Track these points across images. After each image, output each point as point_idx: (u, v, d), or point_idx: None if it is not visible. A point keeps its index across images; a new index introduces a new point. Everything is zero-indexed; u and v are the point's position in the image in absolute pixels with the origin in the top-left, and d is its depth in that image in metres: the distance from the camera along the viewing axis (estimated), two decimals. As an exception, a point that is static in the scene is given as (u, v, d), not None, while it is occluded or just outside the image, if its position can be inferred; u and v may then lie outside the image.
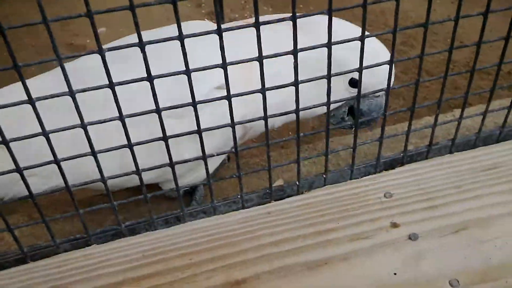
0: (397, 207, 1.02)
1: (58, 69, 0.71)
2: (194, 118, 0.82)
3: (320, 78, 0.85)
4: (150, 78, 0.74)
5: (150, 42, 0.71)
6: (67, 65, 0.72)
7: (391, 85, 0.96)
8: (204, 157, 0.89)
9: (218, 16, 0.72)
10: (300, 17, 0.76)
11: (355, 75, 1.20)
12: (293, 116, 0.89)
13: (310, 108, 0.90)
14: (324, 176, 1.07)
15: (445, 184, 1.07)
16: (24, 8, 5.13)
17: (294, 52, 0.79)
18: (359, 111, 1.06)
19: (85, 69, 1.10)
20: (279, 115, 0.88)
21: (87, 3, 0.66)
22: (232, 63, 0.77)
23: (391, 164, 1.13)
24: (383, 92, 1.04)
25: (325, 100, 0.90)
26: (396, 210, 1.02)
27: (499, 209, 1.01)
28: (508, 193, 1.04)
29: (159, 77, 0.74)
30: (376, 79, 1.09)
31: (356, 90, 1.17)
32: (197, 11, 5.59)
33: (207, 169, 0.93)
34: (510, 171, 1.08)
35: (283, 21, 0.77)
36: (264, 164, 1.23)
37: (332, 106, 1.00)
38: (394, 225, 0.99)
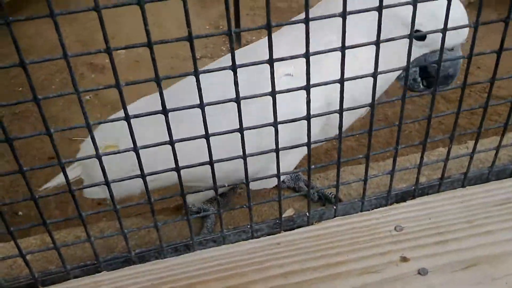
0: (407, 241, 1.02)
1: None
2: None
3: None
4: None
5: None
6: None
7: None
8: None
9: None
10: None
11: (420, 27, 1.10)
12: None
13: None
14: (335, 207, 1.07)
15: (457, 218, 1.06)
16: (49, 29, 5.23)
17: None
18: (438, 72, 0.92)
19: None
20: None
21: (106, 38, 0.68)
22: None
23: (403, 197, 1.13)
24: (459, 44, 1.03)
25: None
26: (406, 244, 1.01)
27: (511, 245, 1.00)
28: (521, 229, 1.03)
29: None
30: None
31: (423, 43, 1.16)
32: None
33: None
34: (523, 207, 1.08)
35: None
36: (276, 193, 1.24)
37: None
38: (404, 259, 0.98)
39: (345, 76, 0.83)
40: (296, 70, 1.17)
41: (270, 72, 0.77)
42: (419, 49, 1.19)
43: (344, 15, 0.75)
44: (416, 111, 3.59)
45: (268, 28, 0.73)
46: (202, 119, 0.79)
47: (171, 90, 1.30)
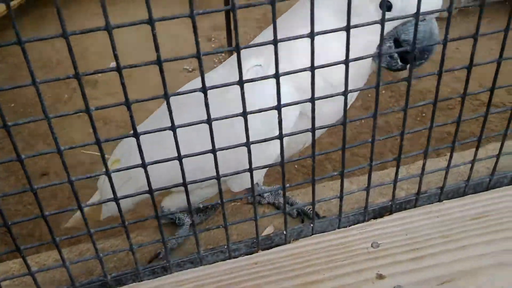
0: (383, 258, 1.02)
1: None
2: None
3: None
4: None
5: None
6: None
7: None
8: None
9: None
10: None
11: None
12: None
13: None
14: (312, 225, 1.08)
15: (433, 233, 1.06)
16: (42, 44, 5.24)
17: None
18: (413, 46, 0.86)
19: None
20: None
21: (74, 65, 0.69)
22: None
23: (380, 212, 1.14)
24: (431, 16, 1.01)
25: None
26: (382, 261, 1.02)
27: (487, 260, 1.00)
28: (497, 243, 1.03)
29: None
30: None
31: (391, 13, 1.09)
32: (207, 45, 5.68)
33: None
34: (499, 220, 1.08)
35: None
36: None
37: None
38: (380, 277, 0.99)
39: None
40: (266, 62, 1.18)
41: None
42: (389, 23, 1.08)
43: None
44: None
45: (237, 50, 0.74)
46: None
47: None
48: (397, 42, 1.14)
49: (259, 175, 1.30)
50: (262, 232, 1.20)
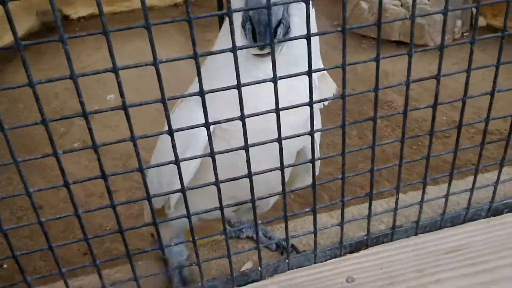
0: (358, 293, 1.03)
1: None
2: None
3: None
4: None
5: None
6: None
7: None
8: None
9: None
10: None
11: None
12: None
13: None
14: (287, 260, 1.09)
15: (408, 267, 1.07)
16: (38, 77, 5.29)
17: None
18: None
19: None
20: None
21: (41, 112, 0.71)
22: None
23: (357, 246, 1.14)
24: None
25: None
26: (357, 296, 1.02)
27: (460, 294, 1.01)
28: (471, 277, 1.04)
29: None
30: None
31: None
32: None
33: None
34: (474, 254, 1.09)
35: None
36: (231, 247, 1.25)
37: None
38: (354, 312, 0.99)
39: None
40: None
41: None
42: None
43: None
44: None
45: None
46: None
47: None
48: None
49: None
50: (241, 268, 1.20)
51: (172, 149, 0.80)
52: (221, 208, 0.91)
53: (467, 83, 0.93)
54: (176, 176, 0.84)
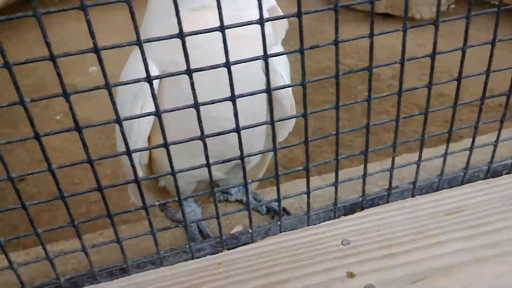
0: (354, 256, 0.98)
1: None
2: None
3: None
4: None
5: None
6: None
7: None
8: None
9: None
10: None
11: None
12: None
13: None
14: (279, 222, 1.03)
15: (405, 230, 1.02)
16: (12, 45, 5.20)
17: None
18: None
19: None
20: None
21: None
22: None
23: (352, 209, 1.09)
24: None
25: None
26: (353, 259, 0.97)
27: (461, 256, 0.96)
28: (472, 239, 0.99)
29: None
30: None
31: None
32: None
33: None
34: (474, 215, 1.04)
35: None
36: (221, 209, 1.19)
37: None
38: (350, 275, 0.94)
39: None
40: None
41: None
42: None
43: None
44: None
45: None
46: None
47: None
48: None
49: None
50: (230, 232, 1.15)
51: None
52: (208, 164, 0.85)
53: (462, 62, 0.90)
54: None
